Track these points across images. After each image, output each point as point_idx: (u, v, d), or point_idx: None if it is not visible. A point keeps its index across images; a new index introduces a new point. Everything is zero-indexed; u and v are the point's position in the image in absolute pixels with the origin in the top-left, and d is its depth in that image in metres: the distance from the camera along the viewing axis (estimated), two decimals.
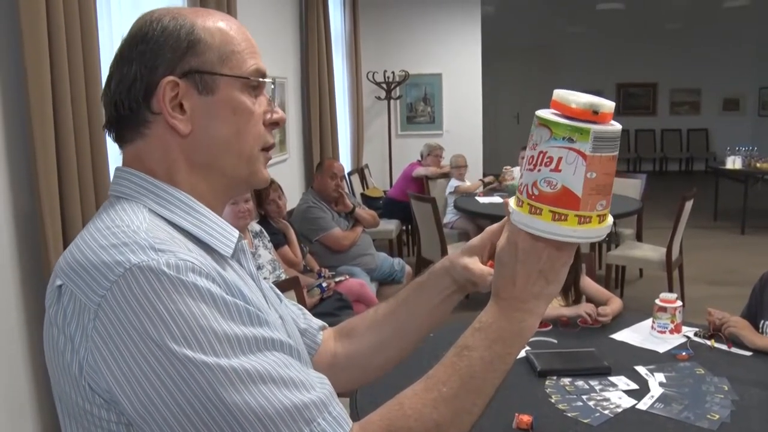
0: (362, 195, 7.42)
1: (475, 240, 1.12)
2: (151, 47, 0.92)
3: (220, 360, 0.77)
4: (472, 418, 0.88)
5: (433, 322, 1.18)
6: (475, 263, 1.09)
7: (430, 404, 0.86)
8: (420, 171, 7.14)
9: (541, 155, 0.85)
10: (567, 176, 0.84)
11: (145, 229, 0.85)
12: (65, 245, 2.33)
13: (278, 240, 4.11)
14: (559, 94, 0.87)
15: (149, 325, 0.77)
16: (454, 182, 6.80)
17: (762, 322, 2.51)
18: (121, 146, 0.98)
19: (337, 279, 4.19)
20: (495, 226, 1.09)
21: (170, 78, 0.91)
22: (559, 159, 0.84)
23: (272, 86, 1.01)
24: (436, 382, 0.88)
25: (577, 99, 0.84)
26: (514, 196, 0.93)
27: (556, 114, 0.86)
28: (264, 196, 4.16)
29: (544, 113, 0.87)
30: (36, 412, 2.48)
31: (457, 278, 1.12)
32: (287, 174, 5.61)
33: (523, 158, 6.14)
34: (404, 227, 7.26)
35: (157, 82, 0.91)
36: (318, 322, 1.26)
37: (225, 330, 0.80)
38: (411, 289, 1.18)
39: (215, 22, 0.96)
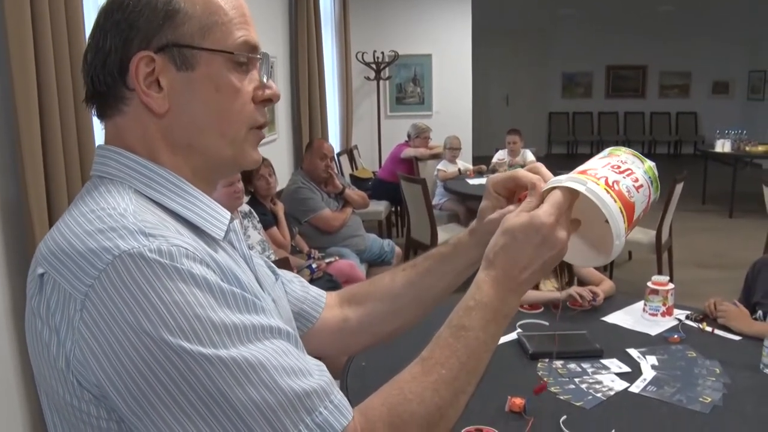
0: (351, 176, 7.38)
1: (483, 202, 1.09)
2: (127, 17, 0.85)
3: (218, 351, 0.74)
4: (467, 398, 0.88)
5: (452, 287, 1.17)
6: (500, 214, 1.03)
7: (430, 387, 0.84)
8: (409, 152, 7.10)
9: (630, 172, 0.97)
10: (638, 199, 0.95)
11: (132, 212, 0.80)
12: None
13: (268, 221, 4.08)
14: (634, 152, 1.02)
15: (142, 317, 0.72)
16: (441, 164, 6.76)
17: (756, 308, 2.52)
18: (101, 121, 0.92)
19: (327, 260, 4.17)
20: (494, 179, 1.08)
21: (144, 53, 0.84)
22: (641, 185, 0.96)
23: (260, 59, 0.93)
24: (434, 364, 0.86)
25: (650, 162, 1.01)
26: (557, 179, 0.96)
27: None
28: (254, 171, 4.09)
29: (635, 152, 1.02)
30: (24, 404, 2.43)
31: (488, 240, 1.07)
32: (276, 154, 5.56)
33: (510, 143, 6.24)
34: (393, 208, 7.25)
35: (131, 56, 0.85)
36: (318, 289, 1.24)
37: (222, 319, 0.76)
38: (434, 260, 1.16)
39: None
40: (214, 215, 0.91)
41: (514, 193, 1.06)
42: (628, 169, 0.97)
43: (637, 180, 0.96)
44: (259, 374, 0.75)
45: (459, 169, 6.71)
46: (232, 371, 0.74)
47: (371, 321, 1.21)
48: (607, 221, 0.92)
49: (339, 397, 0.81)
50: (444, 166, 6.70)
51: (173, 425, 0.73)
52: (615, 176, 0.95)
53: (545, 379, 2.05)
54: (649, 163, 1.00)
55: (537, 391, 1.90)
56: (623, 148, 1.02)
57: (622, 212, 0.91)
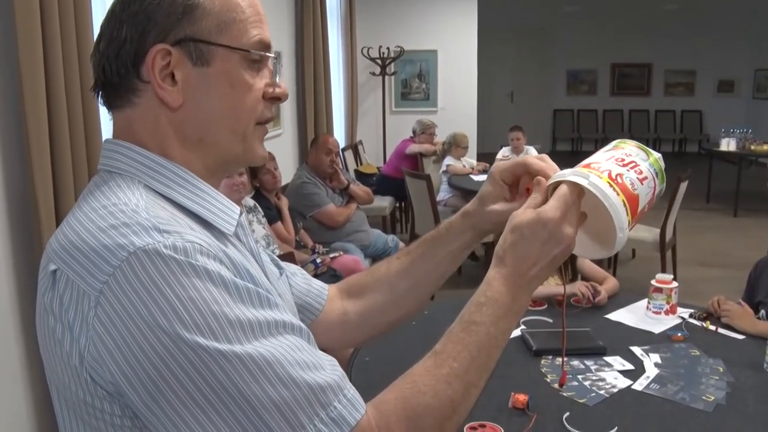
0: (356, 171, 7.39)
1: (487, 188, 1.12)
2: (145, 9, 0.85)
3: (234, 347, 0.74)
4: (478, 393, 0.89)
5: (449, 271, 1.19)
6: (504, 207, 1.08)
7: (443, 380, 0.85)
8: (414, 148, 7.11)
9: (634, 165, 0.98)
10: (642, 192, 0.96)
11: (144, 208, 0.80)
12: (58, 222, 2.27)
13: (272, 215, 4.09)
14: (640, 144, 1.04)
15: (158, 313, 0.72)
16: (448, 160, 6.76)
17: (759, 308, 2.52)
18: (109, 111, 0.91)
19: (331, 255, 4.18)
20: (501, 166, 1.10)
21: (161, 46, 0.85)
22: (645, 178, 0.97)
23: (274, 59, 0.94)
24: (446, 358, 0.87)
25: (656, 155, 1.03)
26: (561, 174, 0.97)
27: None
28: (259, 165, 4.12)
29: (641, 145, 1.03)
30: (30, 398, 2.42)
31: (484, 228, 1.13)
32: (281, 149, 5.56)
33: (513, 140, 6.27)
34: (398, 204, 7.26)
35: (147, 48, 0.85)
36: (320, 282, 1.25)
37: (237, 315, 0.76)
38: (427, 245, 1.18)
39: None
40: (224, 210, 0.91)
41: (519, 180, 1.08)
42: (632, 162, 0.98)
43: (641, 172, 0.97)
44: (274, 369, 0.76)
45: (473, 167, 6.74)
46: (247, 367, 0.74)
47: (371, 313, 1.21)
48: None
49: (352, 391, 0.82)
50: (452, 161, 6.71)
51: (189, 421, 0.74)
52: (619, 169, 0.95)
53: (548, 376, 2.06)
54: (655, 156, 1.01)
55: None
56: (629, 141, 1.03)
57: (625, 205, 0.92)
